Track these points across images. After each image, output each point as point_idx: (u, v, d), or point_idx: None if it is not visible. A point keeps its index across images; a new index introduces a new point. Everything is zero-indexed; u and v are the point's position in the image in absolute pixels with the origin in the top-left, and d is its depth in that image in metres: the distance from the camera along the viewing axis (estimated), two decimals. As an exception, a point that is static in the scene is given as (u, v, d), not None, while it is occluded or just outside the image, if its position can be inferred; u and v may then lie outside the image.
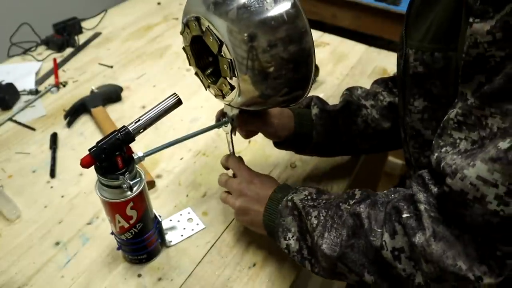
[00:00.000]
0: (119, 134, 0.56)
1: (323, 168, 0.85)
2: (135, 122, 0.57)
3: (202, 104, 1.02)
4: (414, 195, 0.48)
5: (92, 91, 1.04)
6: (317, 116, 0.73)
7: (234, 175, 0.68)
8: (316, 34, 1.32)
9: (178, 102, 0.59)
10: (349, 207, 0.54)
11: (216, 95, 0.60)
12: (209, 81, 0.60)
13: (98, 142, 0.57)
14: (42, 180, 0.84)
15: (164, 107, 0.59)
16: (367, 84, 1.09)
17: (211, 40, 0.51)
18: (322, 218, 0.55)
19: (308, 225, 0.56)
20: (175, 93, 0.59)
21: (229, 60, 0.51)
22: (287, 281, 0.66)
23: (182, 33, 0.58)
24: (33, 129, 0.96)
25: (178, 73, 1.15)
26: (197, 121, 0.97)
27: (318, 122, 0.73)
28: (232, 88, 0.55)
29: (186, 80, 1.11)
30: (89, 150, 0.57)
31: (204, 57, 0.60)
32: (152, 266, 0.68)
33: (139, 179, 0.60)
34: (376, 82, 0.81)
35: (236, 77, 0.52)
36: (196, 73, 0.62)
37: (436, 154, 0.47)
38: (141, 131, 0.57)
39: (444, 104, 0.54)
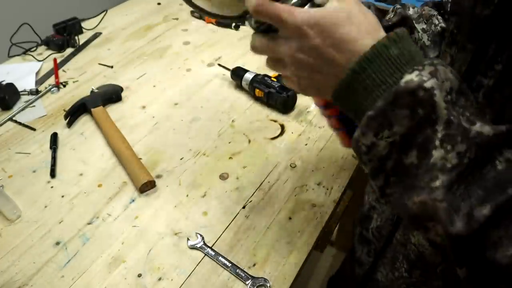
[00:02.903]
0: None
1: (323, 168, 0.85)
2: None
3: (202, 103, 1.02)
4: None
5: (92, 91, 1.04)
6: None
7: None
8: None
9: None
10: (505, 169, 0.35)
11: None
12: None
13: None
14: (42, 180, 0.84)
15: None
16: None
17: None
18: (466, 160, 0.35)
19: (438, 156, 0.36)
20: None
21: None
22: (287, 281, 0.66)
23: None
24: (33, 129, 0.96)
25: (178, 73, 1.15)
26: (197, 121, 0.98)
27: None
28: None
29: (186, 80, 1.11)
30: None
31: None
32: (152, 266, 0.68)
33: None
34: (426, 4, 0.66)
35: None
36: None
37: None
38: None
39: None
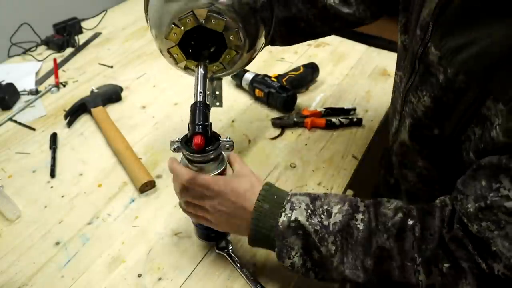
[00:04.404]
0: (202, 107, 0.56)
1: (323, 168, 0.85)
2: (199, 94, 0.59)
3: (202, 104, 1.02)
4: (453, 252, 0.48)
5: (92, 91, 1.04)
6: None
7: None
8: (316, 34, 1.32)
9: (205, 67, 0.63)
10: (360, 225, 0.53)
11: (215, 72, 0.65)
12: (206, 63, 0.64)
13: (192, 121, 0.55)
14: (42, 180, 0.84)
15: (201, 74, 0.62)
16: (366, 84, 1.10)
17: (215, 22, 0.57)
18: (338, 243, 0.53)
19: (323, 250, 0.54)
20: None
21: (235, 29, 0.58)
22: (287, 281, 0.66)
23: (167, 36, 0.60)
24: (33, 129, 0.96)
25: (178, 73, 1.14)
26: (197, 121, 0.97)
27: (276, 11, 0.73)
28: (238, 52, 0.61)
29: (186, 80, 1.11)
30: (193, 132, 0.54)
31: (189, 48, 0.65)
32: (152, 266, 0.68)
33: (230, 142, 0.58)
34: None
35: (242, 40, 0.59)
36: (185, 67, 0.67)
37: (476, 227, 0.45)
38: None
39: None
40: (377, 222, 0.53)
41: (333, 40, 1.28)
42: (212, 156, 0.57)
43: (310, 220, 0.55)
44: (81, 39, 1.30)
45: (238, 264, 0.67)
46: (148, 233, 0.73)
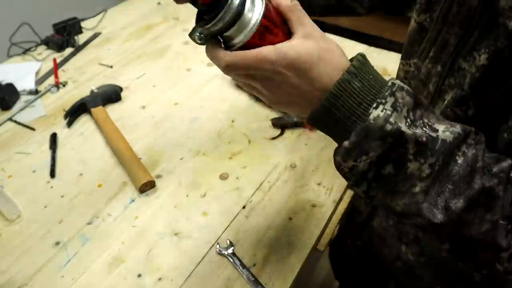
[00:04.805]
0: None
1: (323, 168, 0.85)
2: None
3: (202, 103, 1.02)
4: None
5: (92, 91, 1.04)
6: None
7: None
8: (316, 34, 1.32)
9: None
10: (459, 159, 0.42)
11: None
12: None
13: None
14: (42, 180, 0.84)
15: None
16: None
17: None
18: (436, 168, 0.41)
19: (412, 167, 0.41)
20: None
21: None
22: (287, 281, 0.66)
23: None
24: (33, 129, 0.96)
25: (178, 73, 1.15)
26: (197, 120, 0.98)
27: None
28: None
29: (186, 80, 1.11)
30: None
31: None
32: (152, 266, 0.68)
33: None
34: None
35: None
36: None
37: None
38: None
39: None
40: (484, 164, 0.43)
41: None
42: (234, 10, 0.41)
43: (412, 130, 0.41)
44: (81, 39, 1.30)
45: (238, 265, 0.67)
46: (148, 233, 0.73)
